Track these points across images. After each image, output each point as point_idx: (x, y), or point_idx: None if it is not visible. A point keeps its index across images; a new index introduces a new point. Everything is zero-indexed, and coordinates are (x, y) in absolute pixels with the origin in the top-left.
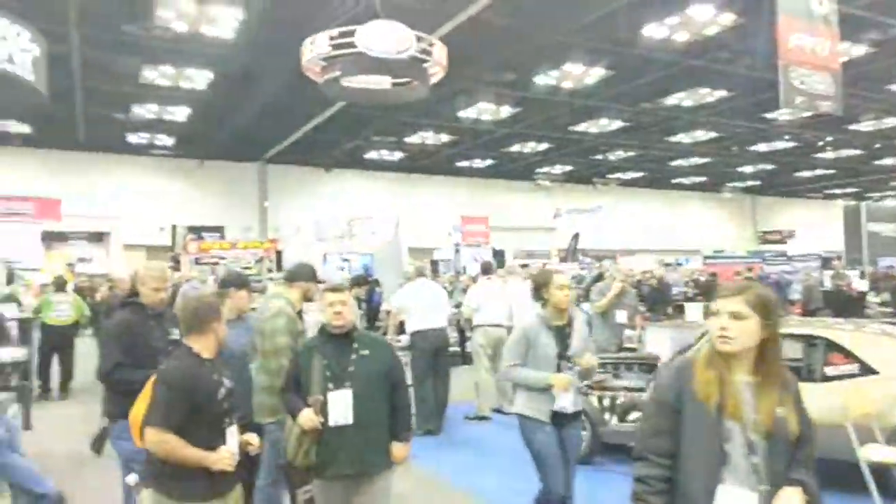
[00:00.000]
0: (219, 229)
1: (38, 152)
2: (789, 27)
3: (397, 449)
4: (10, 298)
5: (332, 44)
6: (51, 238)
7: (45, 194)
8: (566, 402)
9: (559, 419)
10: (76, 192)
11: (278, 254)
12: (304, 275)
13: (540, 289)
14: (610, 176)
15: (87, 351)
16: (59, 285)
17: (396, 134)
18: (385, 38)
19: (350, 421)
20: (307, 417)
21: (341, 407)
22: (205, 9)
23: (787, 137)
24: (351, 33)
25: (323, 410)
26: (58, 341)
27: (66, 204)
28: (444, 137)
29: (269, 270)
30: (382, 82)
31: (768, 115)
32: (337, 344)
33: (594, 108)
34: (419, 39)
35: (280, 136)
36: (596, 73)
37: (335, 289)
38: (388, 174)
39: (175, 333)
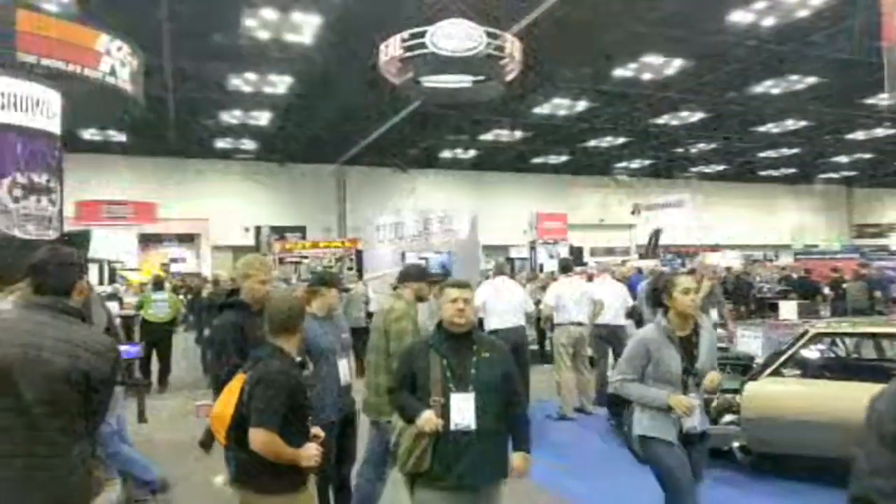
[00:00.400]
0: (300, 229)
1: (134, 159)
2: None
3: (519, 460)
4: (113, 297)
5: (404, 45)
6: (146, 240)
7: (142, 199)
8: (694, 422)
9: (688, 438)
10: (169, 196)
11: (358, 253)
12: (414, 274)
13: (661, 293)
14: (692, 169)
15: (182, 346)
16: (158, 284)
17: (470, 132)
18: (456, 36)
19: (473, 426)
20: (428, 419)
21: (464, 411)
22: (286, 16)
23: (887, 124)
24: (422, 34)
25: (444, 413)
26: (156, 336)
27: (160, 207)
28: (519, 134)
29: (350, 269)
30: (458, 81)
31: (867, 101)
32: (456, 344)
33: (675, 100)
34: (493, 36)
35: (357, 138)
36: (676, 64)
37: (458, 284)
38: (461, 172)
39: None
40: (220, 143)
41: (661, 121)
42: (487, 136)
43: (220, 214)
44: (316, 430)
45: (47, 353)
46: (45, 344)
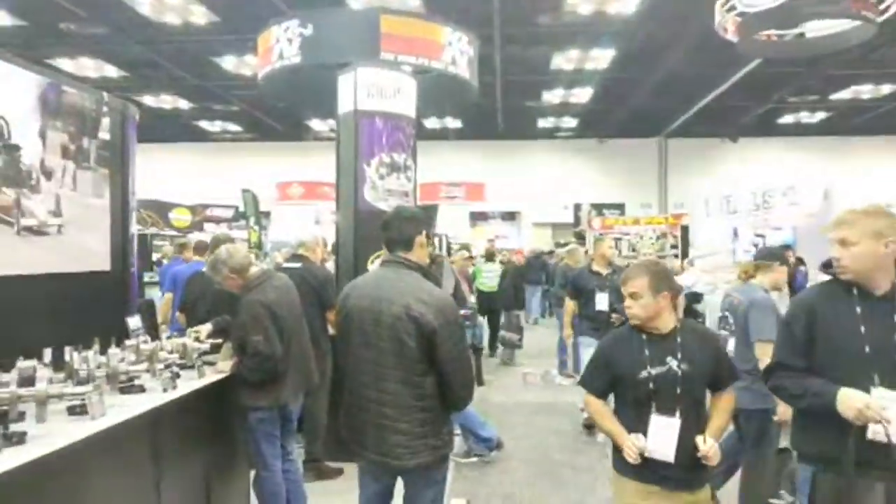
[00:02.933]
0: (619, 206)
1: (467, 144)
2: None
3: None
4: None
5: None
6: (475, 217)
7: (472, 180)
8: None
9: None
10: (494, 176)
11: (684, 229)
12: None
13: None
14: None
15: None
16: (489, 256)
17: (819, 91)
18: None
19: None
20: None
21: None
22: None
23: None
24: None
25: None
26: (486, 304)
27: (487, 187)
28: (887, 89)
29: (673, 247)
30: (826, 27)
31: None
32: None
33: None
34: None
35: (680, 109)
36: None
37: None
38: (807, 139)
39: None
40: (542, 123)
41: None
42: (843, 94)
43: (540, 192)
44: None
45: (385, 302)
46: (384, 294)
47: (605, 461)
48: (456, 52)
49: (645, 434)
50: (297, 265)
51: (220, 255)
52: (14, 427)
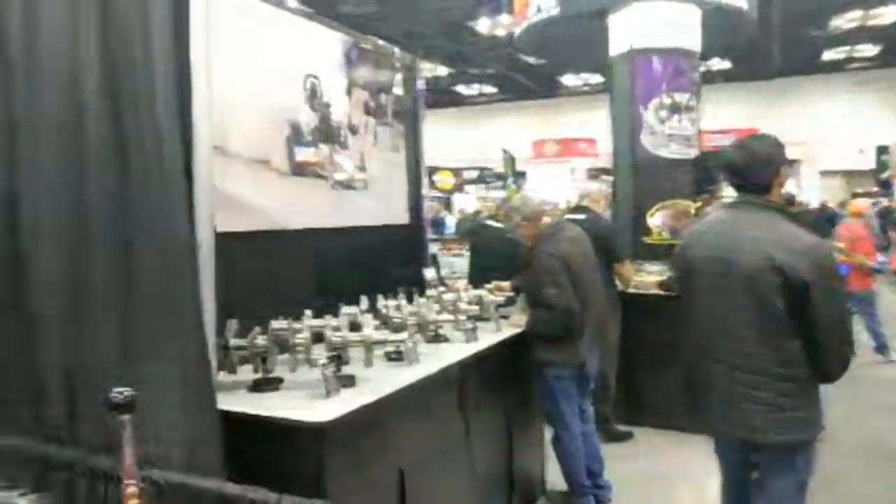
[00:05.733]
0: None
1: (733, 86)
2: None
3: None
4: None
5: None
6: None
7: (740, 125)
8: None
9: None
10: (764, 120)
11: None
12: None
13: None
14: None
15: None
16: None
17: None
18: None
19: None
20: None
21: None
22: None
23: None
24: None
25: None
26: None
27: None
28: None
29: None
30: None
31: None
32: None
33: None
34: None
35: None
36: None
37: None
38: None
39: None
40: (827, 55)
41: None
42: None
43: (825, 136)
44: None
45: (738, 253)
46: (737, 244)
47: None
48: None
49: None
50: (582, 216)
51: (513, 202)
52: (344, 369)
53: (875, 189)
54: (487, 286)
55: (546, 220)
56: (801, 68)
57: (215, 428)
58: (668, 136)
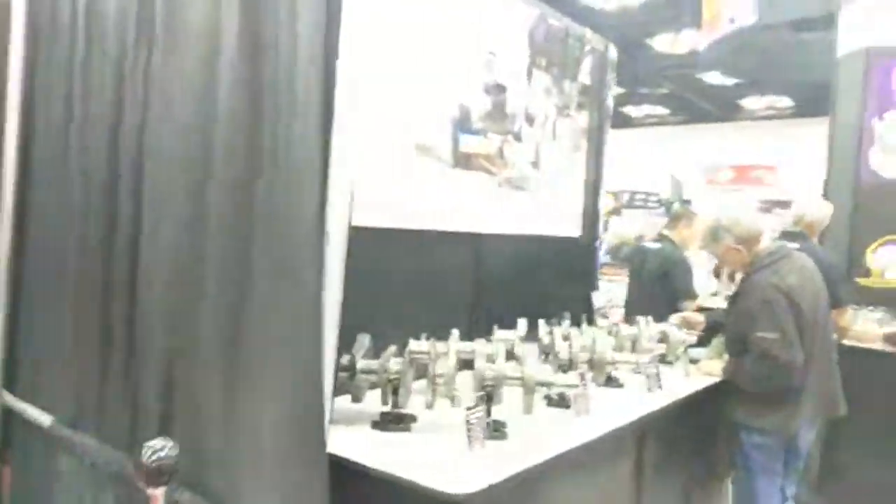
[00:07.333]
0: None
1: None
2: None
3: None
4: None
5: None
6: None
7: None
8: None
9: None
10: None
11: None
12: None
13: None
14: None
15: None
16: None
17: None
18: None
19: None
20: None
21: None
22: None
23: None
24: None
25: None
26: None
27: None
28: None
29: None
30: None
31: None
32: None
33: None
34: None
35: None
36: None
37: None
38: None
39: None
40: None
41: None
42: None
43: None
44: None
45: None
46: None
47: None
48: None
49: None
50: (796, 245)
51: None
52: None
53: None
54: (673, 319)
55: (766, 243)
56: None
57: (320, 474)
58: None
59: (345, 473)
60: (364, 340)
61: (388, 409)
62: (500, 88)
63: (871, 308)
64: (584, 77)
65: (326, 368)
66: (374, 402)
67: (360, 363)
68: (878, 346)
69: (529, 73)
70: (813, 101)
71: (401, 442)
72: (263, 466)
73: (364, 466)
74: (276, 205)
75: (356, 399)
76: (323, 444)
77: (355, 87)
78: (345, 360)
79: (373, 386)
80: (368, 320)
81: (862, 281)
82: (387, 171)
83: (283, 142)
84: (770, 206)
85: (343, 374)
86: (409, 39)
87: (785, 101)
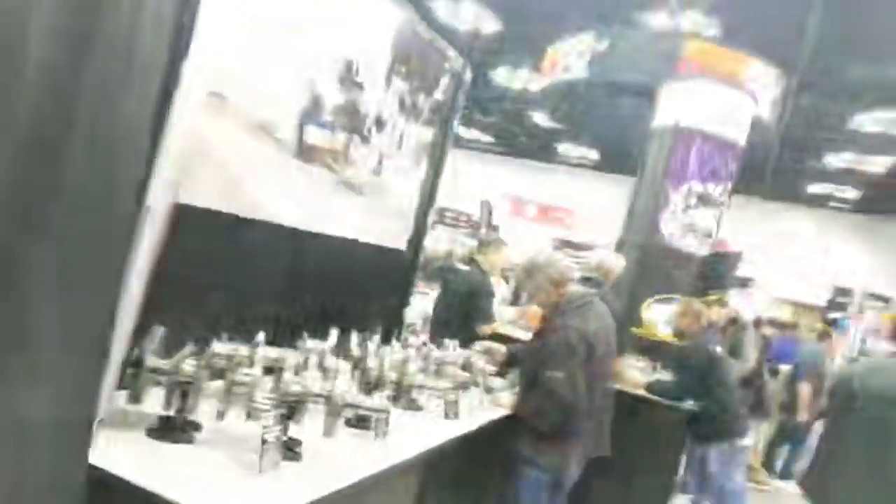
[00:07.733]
0: (886, 299)
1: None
2: None
3: None
4: None
5: None
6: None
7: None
8: None
9: None
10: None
11: None
12: None
13: None
14: None
15: None
16: None
17: None
18: None
19: None
20: None
21: None
22: None
23: None
24: None
25: None
26: None
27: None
28: None
29: None
30: None
31: None
32: None
33: None
34: None
35: None
36: None
37: None
38: None
39: None
40: (813, 189)
41: None
42: None
43: (790, 265)
44: None
45: None
46: None
47: None
48: (759, 87)
49: None
50: (593, 291)
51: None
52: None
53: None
54: (478, 346)
55: (573, 287)
56: (784, 194)
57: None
58: (687, 225)
59: (105, 490)
60: (157, 333)
61: (171, 412)
62: (356, 85)
63: (637, 358)
64: (439, 94)
65: (112, 360)
66: (155, 401)
67: (149, 360)
68: (641, 392)
69: (389, 79)
70: (619, 159)
71: (177, 455)
72: None
73: (129, 483)
74: (94, 172)
75: (135, 399)
76: (87, 443)
77: (202, 48)
78: (133, 352)
79: (156, 383)
80: (164, 308)
81: (636, 330)
82: (218, 146)
83: (107, 102)
84: (562, 245)
85: (129, 371)
86: (270, 10)
87: (594, 154)
